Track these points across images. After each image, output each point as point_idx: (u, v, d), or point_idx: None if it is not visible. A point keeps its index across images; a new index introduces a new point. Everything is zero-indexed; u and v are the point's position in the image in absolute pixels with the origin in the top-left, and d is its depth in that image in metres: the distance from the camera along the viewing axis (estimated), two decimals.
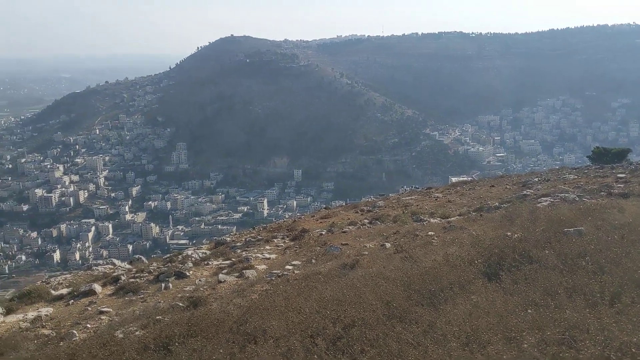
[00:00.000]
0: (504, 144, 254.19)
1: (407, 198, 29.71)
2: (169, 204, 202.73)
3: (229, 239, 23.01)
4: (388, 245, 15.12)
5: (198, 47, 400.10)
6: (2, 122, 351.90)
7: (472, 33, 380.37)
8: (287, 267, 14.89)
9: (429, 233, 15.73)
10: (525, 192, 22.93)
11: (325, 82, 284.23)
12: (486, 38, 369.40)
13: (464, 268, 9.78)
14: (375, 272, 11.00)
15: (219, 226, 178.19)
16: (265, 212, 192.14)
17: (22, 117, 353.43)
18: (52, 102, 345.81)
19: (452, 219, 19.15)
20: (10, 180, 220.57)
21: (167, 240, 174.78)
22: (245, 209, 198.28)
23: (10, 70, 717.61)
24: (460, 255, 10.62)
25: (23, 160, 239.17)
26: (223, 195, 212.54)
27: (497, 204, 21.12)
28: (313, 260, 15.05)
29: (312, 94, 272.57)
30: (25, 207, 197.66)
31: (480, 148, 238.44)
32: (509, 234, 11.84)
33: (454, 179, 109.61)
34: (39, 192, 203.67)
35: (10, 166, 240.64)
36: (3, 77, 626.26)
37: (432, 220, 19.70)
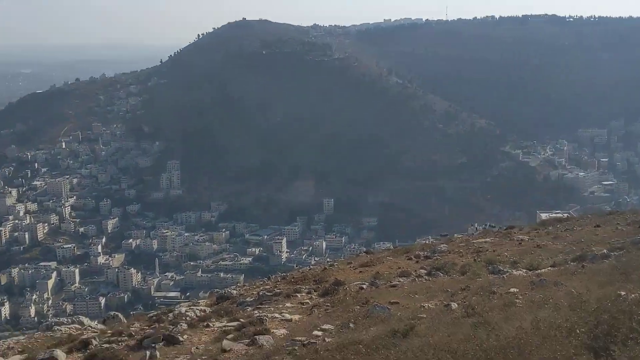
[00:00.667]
0: (614, 168, 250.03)
1: (479, 241, 29.42)
2: (155, 243, 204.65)
3: (235, 292, 23.05)
4: (454, 305, 14.93)
5: (199, 35, 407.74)
6: None
7: (569, 17, 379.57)
8: (316, 332, 14.79)
9: (511, 290, 15.50)
10: None
11: (368, 80, 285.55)
12: (588, 23, 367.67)
13: (561, 340, 9.59)
14: (437, 343, 10.86)
15: (221, 274, 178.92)
16: (284, 256, 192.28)
17: None
18: (4, 105, 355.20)
19: (543, 271, 18.87)
20: None
21: (152, 291, 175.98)
22: (257, 252, 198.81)
23: None
24: (555, 321, 10.43)
25: None
26: (227, 233, 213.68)
27: (605, 251, 20.77)
28: (351, 325, 14.93)
29: (350, 97, 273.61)
30: None
31: (581, 173, 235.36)
32: (622, 293, 11.61)
33: (543, 216, 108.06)
34: None
35: None
36: None
37: (514, 272, 19.44)
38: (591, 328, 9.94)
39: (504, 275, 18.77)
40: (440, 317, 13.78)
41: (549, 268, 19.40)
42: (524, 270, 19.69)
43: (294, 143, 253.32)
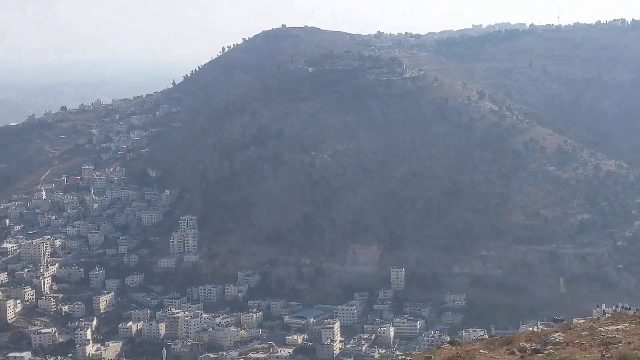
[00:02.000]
0: None
1: (608, 328, 28.80)
2: (162, 328, 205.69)
3: None
4: None
5: (224, 48, 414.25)
6: None
7: None
8: None
9: None
10: None
11: (451, 108, 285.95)
12: None
13: None
14: None
15: None
16: (337, 346, 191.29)
17: None
18: None
19: None
20: None
21: None
22: (301, 341, 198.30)
23: None
24: None
25: None
26: (260, 314, 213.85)
27: None
28: None
29: (426, 131, 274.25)
30: None
31: None
32: None
33: None
34: None
35: None
36: None
37: None
38: None
39: None
40: None
41: None
42: None
43: (351, 194, 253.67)
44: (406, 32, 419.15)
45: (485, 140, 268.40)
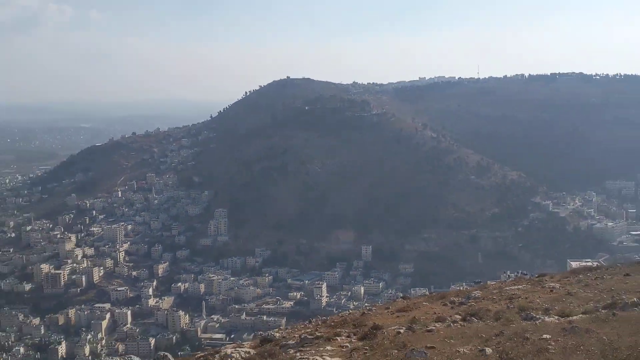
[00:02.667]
0: None
1: (511, 288, 29.02)
2: (202, 287, 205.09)
3: (278, 334, 22.99)
4: (489, 350, 14.67)
5: (246, 92, 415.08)
6: (7, 181, 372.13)
7: (596, 75, 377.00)
8: None
9: (544, 336, 15.19)
10: None
11: (404, 135, 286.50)
12: (615, 81, 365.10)
13: None
14: None
15: (265, 317, 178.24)
16: (324, 300, 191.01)
17: (31, 175, 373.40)
18: (67, 157, 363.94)
19: (574, 318, 18.48)
20: (12, 253, 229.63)
21: (199, 333, 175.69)
22: (299, 296, 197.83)
23: (20, 119, 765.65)
24: None
25: (29, 228, 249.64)
26: (270, 278, 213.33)
27: (635, 299, 20.31)
28: None
29: (387, 151, 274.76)
30: (28, 287, 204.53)
31: (610, 224, 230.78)
32: None
33: (574, 264, 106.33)
34: (46, 268, 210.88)
35: (13, 235, 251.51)
36: (12, 127, 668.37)
37: (546, 319, 19.08)
38: None
39: (537, 322, 18.43)
40: None
41: (581, 315, 19.01)
42: (556, 317, 19.32)
43: (335, 194, 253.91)
44: (373, 82, 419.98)
45: (427, 158, 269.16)
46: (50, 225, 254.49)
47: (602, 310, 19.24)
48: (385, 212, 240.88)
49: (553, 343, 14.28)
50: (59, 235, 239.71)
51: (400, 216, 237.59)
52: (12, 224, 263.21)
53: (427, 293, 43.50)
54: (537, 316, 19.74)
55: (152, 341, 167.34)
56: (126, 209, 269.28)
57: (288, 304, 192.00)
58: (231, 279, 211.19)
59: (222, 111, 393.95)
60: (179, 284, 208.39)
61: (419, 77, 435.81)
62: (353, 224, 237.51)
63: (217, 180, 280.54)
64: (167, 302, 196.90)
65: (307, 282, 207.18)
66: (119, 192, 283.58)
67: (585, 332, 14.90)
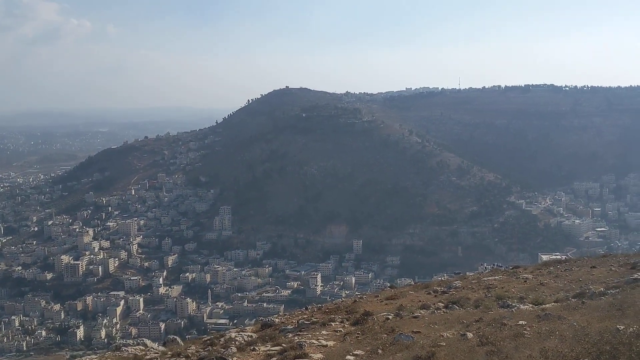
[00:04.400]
0: (606, 216, 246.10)
1: (489, 278, 28.99)
2: (208, 277, 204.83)
3: (277, 320, 22.93)
4: (470, 335, 14.62)
5: (249, 100, 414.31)
6: (31, 179, 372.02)
7: (566, 86, 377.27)
8: (348, 357, 14.59)
9: (520, 322, 15.16)
10: (635, 275, 21.97)
11: (392, 140, 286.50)
12: (583, 92, 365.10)
13: None
14: None
15: (265, 304, 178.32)
16: (319, 289, 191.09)
17: (53, 175, 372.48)
18: (85, 158, 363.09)
19: (547, 305, 18.47)
20: (35, 245, 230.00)
21: (205, 318, 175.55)
22: (296, 285, 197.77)
23: (43, 123, 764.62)
24: (562, 351, 10.15)
25: (50, 222, 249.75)
26: (270, 268, 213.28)
27: (602, 289, 20.31)
28: (379, 351, 14.70)
29: (376, 154, 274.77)
30: (49, 276, 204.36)
31: (577, 221, 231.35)
32: (620, 327, 11.29)
33: (544, 257, 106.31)
34: (65, 258, 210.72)
35: (36, 229, 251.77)
36: (35, 131, 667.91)
37: (522, 306, 19.08)
38: (594, 358, 9.65)
39: (513, 309, 18.40)
40: (457, 345, 13.51)
41: (553, 303, 18.99)
42: (530, 305, 19.31)
43: (328, 193, 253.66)
44: (364, 92, 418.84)
45: (413, 161, 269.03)
46: (70, 220, 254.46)
47: (572, 299, 19.25)
48: (375, 210, 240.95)
49: (528, 328, 14.25)
50: (77, 229, 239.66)
51: (387, 213, 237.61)
52: (35, 218, 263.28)
53: (412, 283, 43.44)
54: (513, 304, 19.73)
55: (162, 326, 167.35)
56: (139, 206, 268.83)
57: (286, 293, 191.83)
58: (234, 269, 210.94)
59: (226, 117, 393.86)
60: (187, 274, 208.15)
61: (406, 88, 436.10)
62: (345, 220, 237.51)
63: (222, 180, 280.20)
64: (176, 290, 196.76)
65: (303, 272, 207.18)
66: (133, 191, 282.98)
67: (557, 319, 14.88)
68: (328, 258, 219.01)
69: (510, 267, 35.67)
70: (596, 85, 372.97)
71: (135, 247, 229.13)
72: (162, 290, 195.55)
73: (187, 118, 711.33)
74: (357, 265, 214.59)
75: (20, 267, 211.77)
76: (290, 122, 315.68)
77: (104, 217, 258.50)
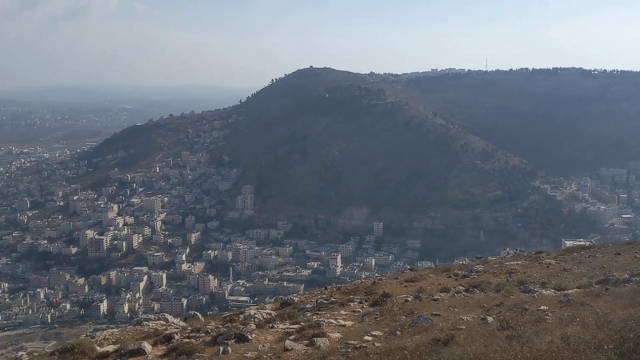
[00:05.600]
0: (632, 203, 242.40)
1: (511, 263, 28.71)
2: (230, 255, 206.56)
3: (296, 299, 22.94)
4: (490, 319, 14.47)
5: (272, 80, 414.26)
6: (57, 154, 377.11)
7: (595, 70, 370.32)
8: (366, 337, 14.54)
9: (542, 307, 14.95)
10: None
11: (415, 122, 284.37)
12: (612, 76, 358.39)
13: (590, 355, 9.14)
14: (475, 352, 10.50)
15: (285, 283, 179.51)
16: (339, 270, 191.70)
17: (78, 150, 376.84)
18: (110, 135, 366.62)
19: (570, 291, 18.21)
20: (60, 219, 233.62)
21: (226, 295, 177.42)
22: (316, 265, 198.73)
23: (69, 99, 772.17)
24: (584, 338, 9.96)
25: (75, 198, 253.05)
26: (291, 248, 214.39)
27: (626, 276, 19.98)
28: (397, 332, 14.63)
29: (399, 136, 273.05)
30: (74, 250, 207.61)
31: (602, 207, 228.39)
32: None
33: (568, 243, 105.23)
34: (90, 233, 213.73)
35: (61, 204, 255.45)
36: (61, 107, 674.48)
37: (544, 291, 18.83)
38: (617, 345, 9.46)
39: (535, 294, 18.18)
40: (477, 329, 13.37)
41: (575, 289, 18.73)
42: (552, 290, 19.06)
43: (349, 175, 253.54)
44: (389, 72, 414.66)
45: (436, 143, 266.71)
46: (95, 196, 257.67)
47: (596, 285, 18.97)
48: (396, 192, 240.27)
49: (550, 314, 14.05)
50: (102, 205, 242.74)
51: (409, 196, 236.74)
52: (61, 193, 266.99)
53: (433, 266, 43.27)
54: (535, 289, 19.49)
55: (184, 301, 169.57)
56: (163, 183, 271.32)
57: (306, 272, 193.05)
58: (255, 248, 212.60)
59: (250, 97, 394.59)
60: (209, 251, 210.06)
61: (432, 69, 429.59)
62: (366, 202, 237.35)
63: (244, 160, 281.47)
64: (198, 267, 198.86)
65: (323, 253, 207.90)
66: (157, 168, 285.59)
67: (580, 305, 14.65)
68: (348, 239, 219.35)
69: (533, 253, 35.29)
70: (627, 70, 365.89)
71: (159, 223, 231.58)
72: (184, 266, 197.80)
73: (211, 96, 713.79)
74: (377, 248, 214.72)
75: (45, 241, 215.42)
76: (313, 103, 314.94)
77: (128, 193, 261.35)
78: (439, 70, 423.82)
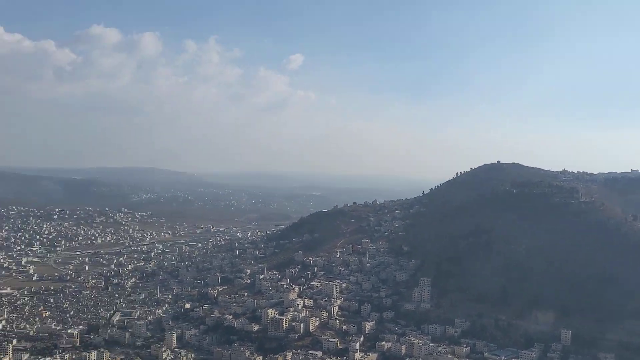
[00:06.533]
0: None
1: None
2: (404, 348, 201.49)
3: None
4: None
5: (457, 173, 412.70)
6: (249, 234, 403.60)
7: None
8: None
9: None
10: None
11: (612, 224, 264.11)
12: None
13: None
14: None
15: None
16: None
17: (268, 232, 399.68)
18: (298, 219, 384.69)
19: None
20: (246, 296, 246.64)
21: None
22: None
23: (266, 185, 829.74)
24: None
25: (261, 276, 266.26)
26: (468, 348, 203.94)
27: None
28: None
29: (592, 238, 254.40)
30: (255, 327, 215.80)
31: None
32: None
33: None
34: (272, 312, 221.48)
35: (248, 281, 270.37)
36: (257, 191, 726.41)
37: None
38: None
39: None
40: None
41: None
42: None
43: (536, 275, 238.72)
44: (583, 171, 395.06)
45: (635, 248, 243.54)
46: (279, 276, 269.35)
47: None
48: (586, 298, 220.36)
49: None
50: (285, 285, 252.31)
51: (602, 303, 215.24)
52: (249, 271, 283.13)
53: None
54: None
55: None
56: (342, 269, 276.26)
57: None
58: (431, 344, 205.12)
59: (433, 189, 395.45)
60: (383, 342, 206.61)
61: (632, 169, 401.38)
62: (552, 306, 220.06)
63: (424, 251, 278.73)
64: (371, 358, 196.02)
65: (503, 357, 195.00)
66: (338, 253, 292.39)
67: None
68: (531, 345, 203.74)
69: None
70: None
71: (335, 308, 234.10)
72: (357, 355, 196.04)
73: (395, 187, 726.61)
74: (563, 358, 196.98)
75: (231, 316, 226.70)
76: (499, 197, 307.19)
77: (309, 276, 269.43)
78: (639, 171, 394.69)
